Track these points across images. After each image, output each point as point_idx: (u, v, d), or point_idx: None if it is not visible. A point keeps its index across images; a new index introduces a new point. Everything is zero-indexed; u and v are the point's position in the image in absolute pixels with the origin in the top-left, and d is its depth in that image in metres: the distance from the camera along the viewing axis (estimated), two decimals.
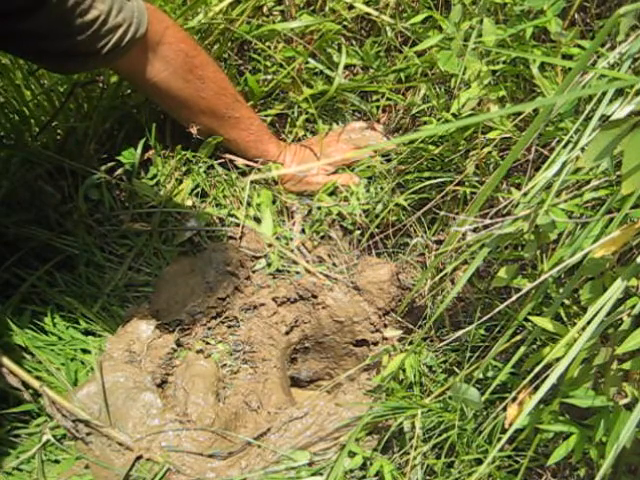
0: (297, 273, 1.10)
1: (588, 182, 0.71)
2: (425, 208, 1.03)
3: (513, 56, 0.87)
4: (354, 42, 1.19)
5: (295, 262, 1.11)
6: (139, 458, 0.92)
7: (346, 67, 1.19)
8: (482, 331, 0.94)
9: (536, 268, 0.85)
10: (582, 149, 0.63)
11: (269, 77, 1.19)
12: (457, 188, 1.00)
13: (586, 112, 0.66)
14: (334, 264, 1.11)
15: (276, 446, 0.94)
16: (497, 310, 0.67)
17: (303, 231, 1.14)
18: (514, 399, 0.71)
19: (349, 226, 1.12)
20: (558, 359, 0.61)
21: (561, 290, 0.69)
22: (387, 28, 1.13)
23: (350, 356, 1.14)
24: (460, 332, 0.76)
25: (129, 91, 1.16)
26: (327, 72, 1.17)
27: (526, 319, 0.72)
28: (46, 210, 1.10)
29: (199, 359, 1.03)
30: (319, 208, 1.13)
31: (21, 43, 0.84)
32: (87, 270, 1.09)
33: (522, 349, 0.73)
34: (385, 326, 1.09)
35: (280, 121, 1.24)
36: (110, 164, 1.12)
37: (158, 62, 0.97)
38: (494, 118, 0.89)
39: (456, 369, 0.95)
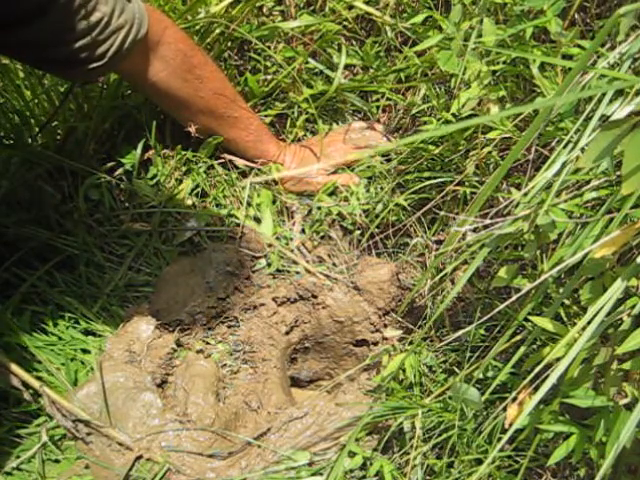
0: (297, 273, 1.10)
1: (588, 182, 0.71)
2: (425, 208, 1.03)
3: (513, 56, 0.87)
4: (354, 42, 1.19)
5: (295, 262, 1.11)
6: (139, 458, 0.92)
7: (346, 67, 1.19)
8: (482, 331, 0.94)
9: (536, 268, 0.85)
10: (582, 149, 0.63)
11: (269, 77, 1.19)
12: (457, 188, 0.99)
13: (586, 112, 0.66)
14: (334, 264, 1.11)
15: (276, 446, 0.94)
16: (497, 310, 0.67)
17: (303, 231, 1.14)
18: (514, 399, 0.71)
19: (349, 226, 1.12)
20: (558, 359, 0.61)
21: (561, 290, 0.69)
22: (387, 28, 1.13)
23: (350, 356, 1.14)
24: (460, 332, 0.76)
25: (129, 91, 1.16)
26: (327, 72, 1.17)
27: (526, 319, 0.72)
28: (46, 210, 1.10)
29: (199, 359, 1.03)
30: (319, 208, 1.13)
31: (21, 52, 0.84)
32: (87, 270, 1.09)
33: (522, 349, 0.73)
34: (385, 326, 1.09)
35: (280, 121, 1.24)
36: (110, 164, 1.12)
37: (157, 62, 0.97)
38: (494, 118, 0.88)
39: (456, 369, 0.95)
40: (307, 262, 1.11)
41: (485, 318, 0.73)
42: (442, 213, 1.03)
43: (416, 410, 0.86)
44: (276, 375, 1.06)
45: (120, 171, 1.13)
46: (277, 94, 1.21)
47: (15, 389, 0.97)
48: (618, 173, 0.67)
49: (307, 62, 1.17)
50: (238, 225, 1.12)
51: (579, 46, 0.82)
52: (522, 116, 0.88)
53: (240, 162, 1.16)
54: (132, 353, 1.00)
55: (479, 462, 0.84)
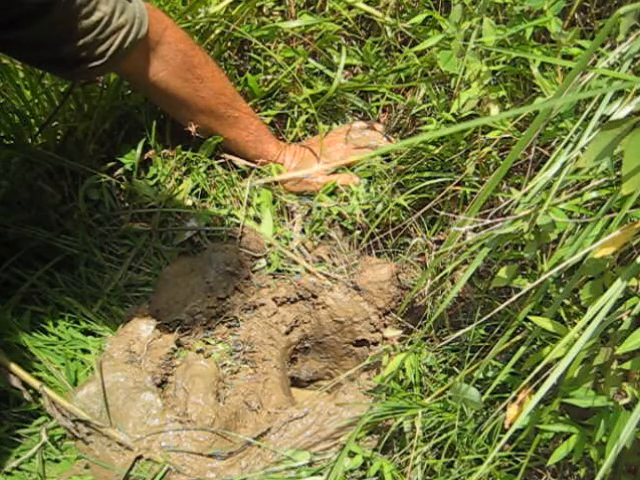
0: (297, 273, 1.10)
1: (588, 182, 0.71)
2: (425, 208, 1.03)
3: (513, 56, 0.87)
4: (354, 42, 1.19)
5: (295, 262, 1.11)
6: (139, 458, 0.92)
7: (346, 67, 1.19)
8: (482, 331, 0.94)
9: (536, 268, 0.85)
10: (582, 149, 0.63)
11: (269, 77, 1.19)
12: (457, 188, 0.99)
13: (586, 112, 0.66)
14: (334, 264, 1.11)
15: (276, 446, 0.94)
16: (497, 310, 0.67)
17: (303, 231, 1.14)
18: (514, 399, 0.71)
19: (349, 226, 1.12)
20: (558, 359, 0.61)
21: (561, 290, 0.69)
22: (387, 28, 1.13)
23: (350, 356, 1.14)
24: (460, 332, 0.76)
25: (129, 91, 1.16)
26: (327, 72, 1.17)
27: (526, 319, 0.72)
28: (46, 210, 1.10)
29: (199, 359, 1.03)
30: (319, 208, 1.13)
31: (22, 51, 0.84)
32: (87, 270, 1.09)
33: (522, 349, 0.73)
34: (385, 326, 1.09)
35: (280, 121, 1.24)
36: (110, 164, 1.12)
37: (157, 62, 0.97)
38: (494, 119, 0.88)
39: (456, 369, 0.95)
40: (307, 262, 1.11)
41: (485, 318, 0.73)
42: (442, 213, 1.03)
43: (416, 410, 0.86)
44: (276, 375, 1.06)
45: (120, 171, 1.13)
46: (277, 94, 1.21)
47: (15, 389, 0.97)
48: (618, 173, 0.67)
49: (307, 62, 1.17)
50: (238, 225, 1.12)
51: (579, 46, 0.82)
52: (522, 116, 0.88)
53: (240, 162, 1.16)
54: (132, 353, 1.00)
55: (479, 462, 0.84)
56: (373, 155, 1.12)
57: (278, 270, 1.10)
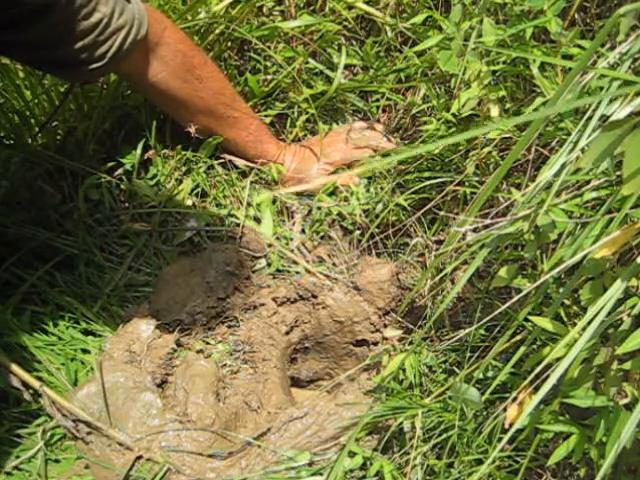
0: (297, 273, 1.10)
1: (588, 182, 0.71)
2: (425, 208, 1.03)
3: (513, 56, 0.87)
4: (354, 42, 1.19)
5: (295, 262, 1.11)
6: (139, 458, 0.92)
7: (346, 67, 1.19)
8: (482, 331, 0.94)
9: (536, 268, 0.85)
10: (582, 150, 0.63)
11: (269, 77, 1.19)
12: (457, 188, 0.99)
13: (588, 113, 0.66)
14: (334, 264, 1.11)
15: (276, 446, 0.94)
16: (498, 311, 0.67)
17: (303, 231, 1.14)
18: (514, 399, 0.71)
19: (349, 226, 1.12)
20: (558, 359, 0.61)
21: (561, 290, 0.69)
22: (387, 28, 1.13)
23: (350, 356, 1.14)
24: (461, 333, 0.76)
25: (129, 91, 1.16)
26: (327, 72, 1.17)
27: (526, 319, 0.72)
28: (46, 210, 1.10)
29: (199, 359, 1.03)
30: (319, 208, 1.13)
31: (21, 52, 0.84)
32: (87, 270, 1.09)
33: (522, 349, 0.73)
34: (385, 326, 1.09)
35: (280, 121, 1.24)
36: (110, 164, 1.12)
37: (156, 62, 0.97)
38: (494, 118, 0.89)
39: (456, 369, 0.95)
40: (307, 262, 1.11)
41: (486, 320, 0.73)
42: (442, 213, 1.03)
43: (416, 410, 0.86)
44: (276, 375, 1.06)
45: (120, 171, 1.13)
46: (277, 94, 1.21)
47: (15, 389, 0.97)
48: (618, 173, 0.67)
49: (307, 62, 1.17)
50: (238, 225, 1.12)
51: (579, 46, 0.82)
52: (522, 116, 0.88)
53: (240, 162, 1.16)
54: (132, 353, 1.00)
55: (479, 462, 0.84)
56: (383, 162, 1.12)
57: (278, 270, 1.10)
